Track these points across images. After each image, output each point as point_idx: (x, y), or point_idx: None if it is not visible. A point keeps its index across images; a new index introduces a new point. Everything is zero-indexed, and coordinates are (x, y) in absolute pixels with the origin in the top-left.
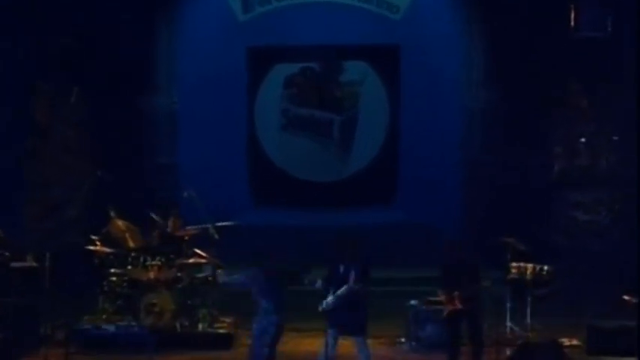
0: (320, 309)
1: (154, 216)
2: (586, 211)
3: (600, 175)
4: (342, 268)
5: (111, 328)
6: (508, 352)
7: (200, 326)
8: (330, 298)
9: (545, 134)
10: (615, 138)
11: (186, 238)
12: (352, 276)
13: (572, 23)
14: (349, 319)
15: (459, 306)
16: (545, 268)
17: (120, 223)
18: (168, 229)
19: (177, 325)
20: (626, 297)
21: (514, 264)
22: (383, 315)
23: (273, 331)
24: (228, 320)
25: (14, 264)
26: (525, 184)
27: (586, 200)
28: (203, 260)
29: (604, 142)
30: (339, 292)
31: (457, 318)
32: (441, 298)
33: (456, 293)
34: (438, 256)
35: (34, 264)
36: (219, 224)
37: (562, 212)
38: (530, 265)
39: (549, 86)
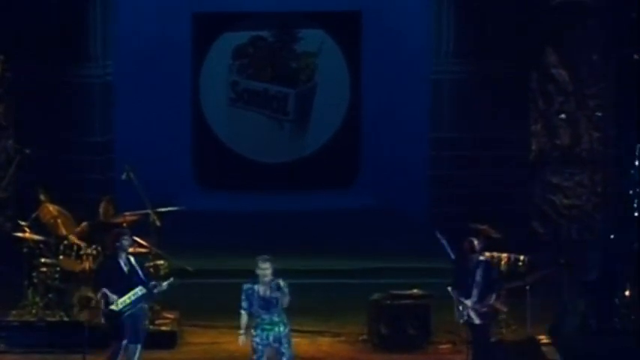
0: None
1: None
2: (566, 195)
3: (582, 155)
4: None
5: (41, 324)
6: None
7: None
8: None
9: (522, 110)
10: (598, 114)
11: (124, 225)
12: None
13: None
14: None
15: None
16: (521, 258)
17: (51, 207)
18: (100, 217)
19: None
20: None
21: (487, 253)
22: (343, 310)
23: None
24: (171, 316)
25: None
26: (500, 165)
27: (566, 183)
28: (143, 250)
29: (586, 119)
30: None
31: None
32: None
33: None
34: (402, 245)
35: None
36: (161, 209)
37: (540, 196)
38: (504, 255)
39: (525, 57)
